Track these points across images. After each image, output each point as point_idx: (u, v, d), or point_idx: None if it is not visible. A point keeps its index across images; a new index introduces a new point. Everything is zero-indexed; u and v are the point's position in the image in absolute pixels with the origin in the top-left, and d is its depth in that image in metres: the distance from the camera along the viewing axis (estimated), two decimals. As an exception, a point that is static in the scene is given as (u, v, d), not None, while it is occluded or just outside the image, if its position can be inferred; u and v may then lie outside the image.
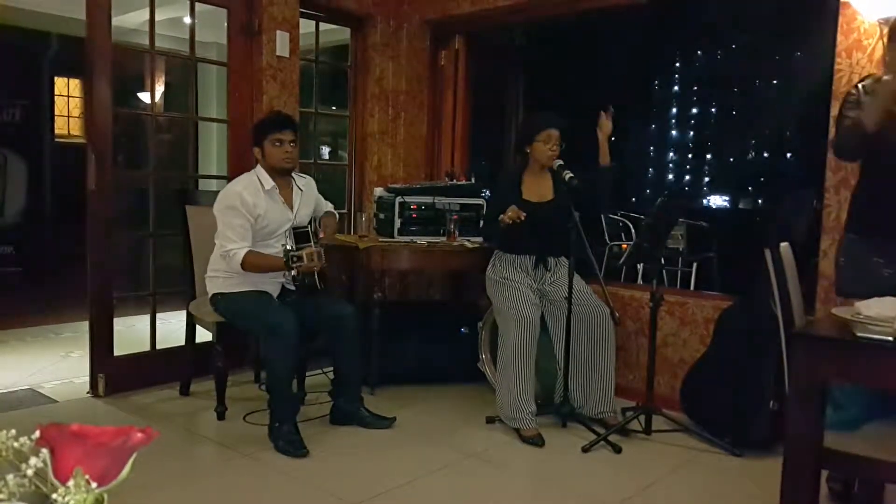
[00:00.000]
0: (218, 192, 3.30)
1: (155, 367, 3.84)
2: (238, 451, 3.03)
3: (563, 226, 3.24)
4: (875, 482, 2.30)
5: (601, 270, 3.42)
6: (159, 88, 6.29)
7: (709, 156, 9.48)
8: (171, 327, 4.15)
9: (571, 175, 3.27)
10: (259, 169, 3.23)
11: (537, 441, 3.18)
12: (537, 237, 3.40)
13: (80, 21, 3.60)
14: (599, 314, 3.34)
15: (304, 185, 3.36)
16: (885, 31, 2.60)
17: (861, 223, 2.63)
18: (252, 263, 3.10)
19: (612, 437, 3.15)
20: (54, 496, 0.76)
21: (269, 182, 3.20)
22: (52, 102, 7.80)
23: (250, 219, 3.12)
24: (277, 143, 3.19)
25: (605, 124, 3.40)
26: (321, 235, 3.35)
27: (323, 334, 3.39)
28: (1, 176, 7.31)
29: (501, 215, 3.27)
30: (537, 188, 3.49)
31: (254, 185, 3.18)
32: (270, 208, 3.19)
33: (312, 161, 4.70)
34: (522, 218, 3.24)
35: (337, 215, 3.62)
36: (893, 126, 2.42)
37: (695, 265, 5.85)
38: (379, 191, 4.22)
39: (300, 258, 2.93)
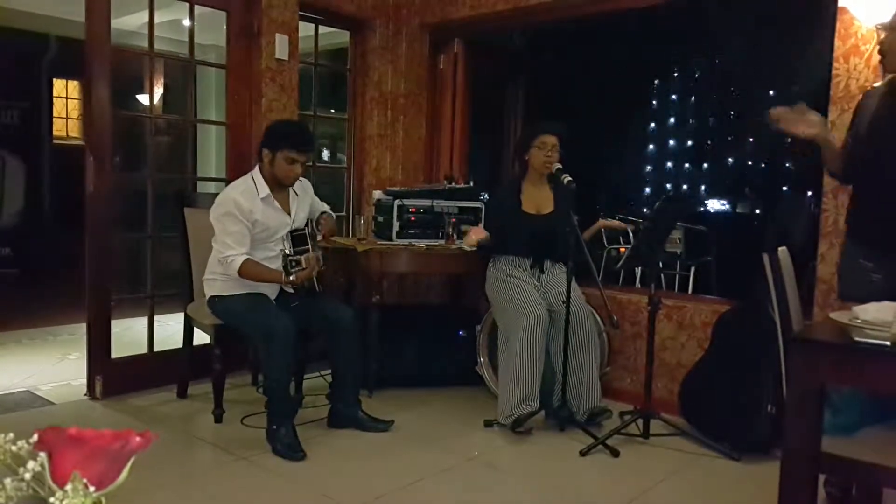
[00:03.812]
0: (216, 194, 3.30)
1: (152, 370, 3.83)
2: (235, 454, 3.02)
3: (562, 237, 3.28)
4: (873, 487, 2.30)
5: (599, 274, 3.43)
6: (158, 91, 6.28)
7: (707, 160, 9.50)
8: (169, 330, 4.14)
9: (570, 178, 3.31)
10: (256, 173, 3.21)
11: (525, 426, 3.22)
12: (535, 247, 3.43)
13: (79, 23, 3.61)
14: (583, 317, 3.37)
15: (300, 188, 3.35)
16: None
17: (854, 231, 2.73)
18: (249, 273, 3.09)
19: (610, 441, 3.15)
20: (52, 500, 0.75)
21: (264, 189, 3.17)
22: (51, 104, 7.79)
23: (247, 224, 3.11)
24: (290, 162, 3.14)
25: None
26: (319, 239, 3.35)
27: (321, 337, 3.39)
28: (-1, 177, 7.31)
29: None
30: (537, 200, 3.53)
31: (250, 191, 3.16)
32: (268, 213, 3.18)
33: (311, 164, 4.69)
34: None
35: (334, 216, 3.62)
36: (877, 148, 2.54)
37: (693, 269, 5.86)
38: (377, 194, 4.22)
39: (299, 262, 2.92)
